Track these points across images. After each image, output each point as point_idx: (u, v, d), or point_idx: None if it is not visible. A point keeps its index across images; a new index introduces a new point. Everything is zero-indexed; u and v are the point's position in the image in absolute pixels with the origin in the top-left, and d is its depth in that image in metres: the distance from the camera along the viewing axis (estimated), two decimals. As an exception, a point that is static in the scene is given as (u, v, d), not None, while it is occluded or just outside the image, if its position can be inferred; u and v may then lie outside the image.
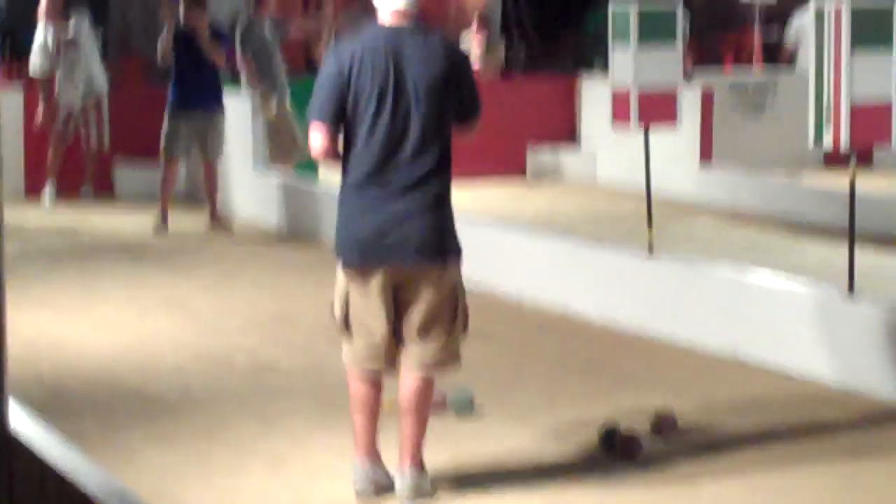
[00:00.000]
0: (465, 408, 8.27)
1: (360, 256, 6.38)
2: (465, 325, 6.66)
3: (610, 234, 12.56)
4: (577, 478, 7.02)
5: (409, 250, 6.35)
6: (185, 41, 14.91)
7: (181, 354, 9.98)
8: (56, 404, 8.33)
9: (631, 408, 8.18)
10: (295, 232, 14.77)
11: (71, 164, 16.04)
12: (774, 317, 9.71)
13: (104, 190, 16.57)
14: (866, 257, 9.90)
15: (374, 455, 6.59)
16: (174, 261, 13.63)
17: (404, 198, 6.33)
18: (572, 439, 7.54)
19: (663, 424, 7.52)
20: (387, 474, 6.56)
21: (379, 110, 6.25)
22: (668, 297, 10.71)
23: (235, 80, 16.50)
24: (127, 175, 16.93)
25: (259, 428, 8.19)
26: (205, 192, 15.18)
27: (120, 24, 22.40)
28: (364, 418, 6.58)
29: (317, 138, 6.31)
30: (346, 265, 6.46)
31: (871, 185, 11.69)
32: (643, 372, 9.59)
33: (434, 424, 7.38)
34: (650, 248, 10.94)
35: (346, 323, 6.51)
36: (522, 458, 7.54)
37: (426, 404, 6.63)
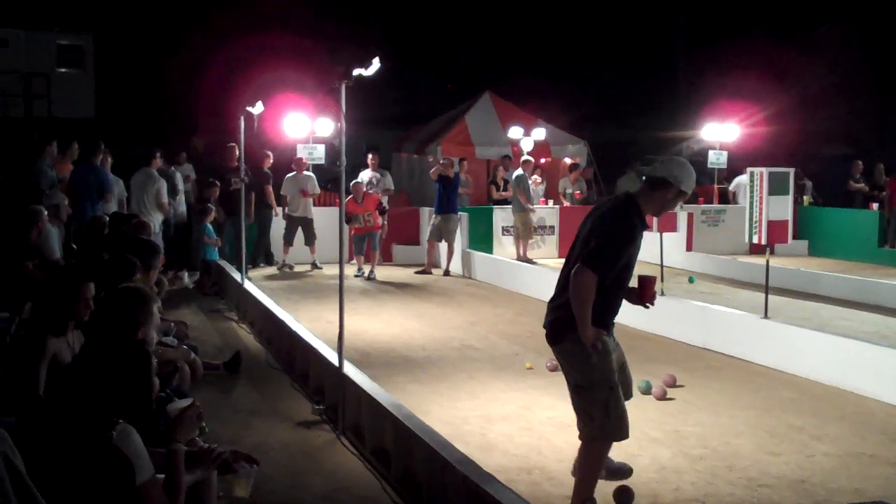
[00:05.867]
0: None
1: None
2: None
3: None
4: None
5: None
6: None
7: (425, 338, 11.17)
8: (364, 361, 9.49)
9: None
10: (475, 279, 16.71)
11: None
12: (725, 328, 10.59)
13: (388, 259, 18.48)
14: (772, 298, 10.64)
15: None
16: (420, 291, 15.20)
17: None
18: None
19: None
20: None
21: None
22: (673, 314, 11.24)
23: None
24: (399, 250, 18.94)
25: (464, 377, 9.23)
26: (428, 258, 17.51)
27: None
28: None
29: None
30: None
31: (774, 262, 11.62)
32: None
33: (554, 377, 9.10)
34: (661, 291, 11.41)
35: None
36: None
37: None
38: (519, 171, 18.49)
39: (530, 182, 18.85)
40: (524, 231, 18.29)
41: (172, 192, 15.97)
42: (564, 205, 20.54)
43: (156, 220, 14.10)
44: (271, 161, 17.39)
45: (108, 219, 10.76)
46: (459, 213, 17.47)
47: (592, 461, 5.46)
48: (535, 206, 18.77)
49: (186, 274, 15.51)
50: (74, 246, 11.65)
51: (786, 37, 33.18)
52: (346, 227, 11.26)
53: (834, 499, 5.97)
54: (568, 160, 23.58)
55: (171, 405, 4.07)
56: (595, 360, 5.27)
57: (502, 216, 19.12)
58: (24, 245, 9.50)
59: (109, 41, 27.48)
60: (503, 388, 8.77)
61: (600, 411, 5.29)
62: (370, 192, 16.89)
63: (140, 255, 6.95)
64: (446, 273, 17.13)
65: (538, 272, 15.16)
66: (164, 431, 3.95)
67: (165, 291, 9.06)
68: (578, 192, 20.97)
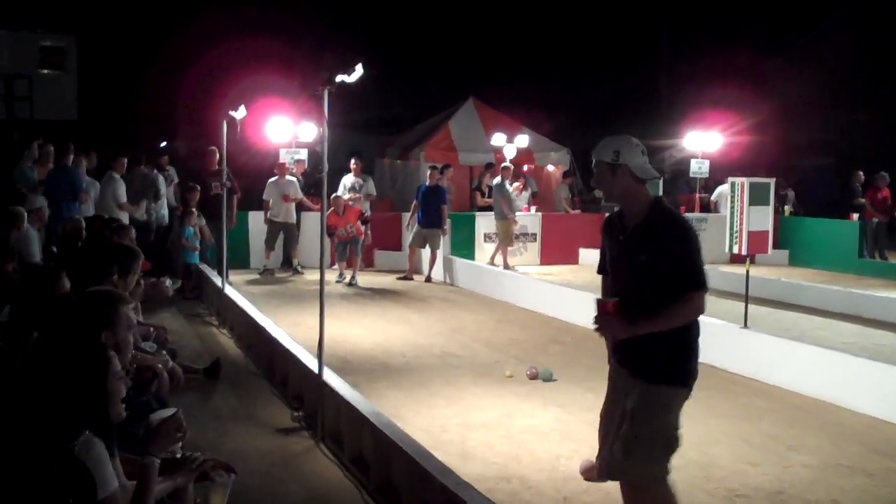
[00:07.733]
0: (548, 377, 9.45)
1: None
2: None
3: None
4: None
5: None
6: None
7: (405, 345, 11.16)
8: (344, 367, 9.42)
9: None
10: (456, 285, 16.68)
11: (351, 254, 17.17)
12: (705, 337, 10.78)
13: (369, 265, 18.43)
14: (752, 308, 10.67)
15: None
16: (401, 298, 15.07)
17: None
18: (591, 385, 8.58)
19: None
20: None
21: None
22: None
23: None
24: (381, 256, 18.91)
25: (443, 382, 9.26)
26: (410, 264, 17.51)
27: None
28: None
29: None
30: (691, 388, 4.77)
31: (755, 272, 10.98)
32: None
33: (535, 385, 9.21)
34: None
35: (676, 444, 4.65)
36: (573, 399, 8.69)
37: None
38: (498, 179, 18.49)
39: (511, 189, 18.82)
40: (504, 238, 18.27)
41: (155, 195, 16.07)
42: (571, 212, 20.83)
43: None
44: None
45: (84, 222, 10.68)
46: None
47: None
48: (516, 214, 18.65)
49: (168, 279, 15.41)
50: (55, 249, 11.59)
51: (767, 48, 33.37)
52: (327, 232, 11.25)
53: (811, 510, 5.97)
54: (551, 167, 23.70)
55: (154, 415, 3.95)
56: None
57: (484, 223, 19.11)
58: (2, 247, 9.39)
59: (92, 43, 27.34)
60: (483, 395, 8.74)
61: None
62: (351, 204, 16.89)
63: (118, 258, 6.87)
64: (428, 279, 17.10)
65: (520, 280, 15.22)
66: (141, 441, 3.82)
67: (144, 294, 8.99)
68: (576, 198, 21.47)
